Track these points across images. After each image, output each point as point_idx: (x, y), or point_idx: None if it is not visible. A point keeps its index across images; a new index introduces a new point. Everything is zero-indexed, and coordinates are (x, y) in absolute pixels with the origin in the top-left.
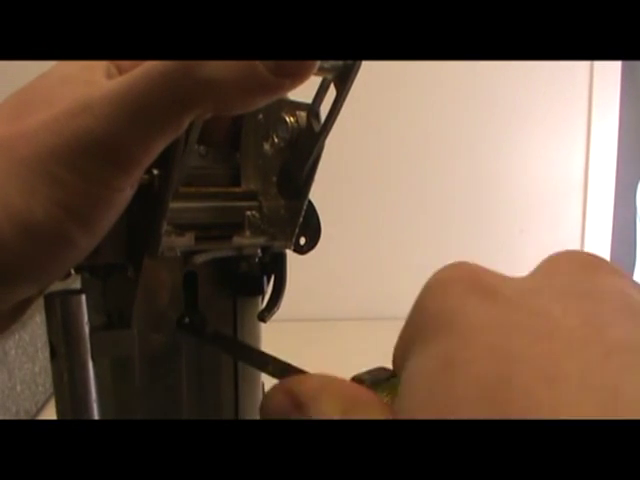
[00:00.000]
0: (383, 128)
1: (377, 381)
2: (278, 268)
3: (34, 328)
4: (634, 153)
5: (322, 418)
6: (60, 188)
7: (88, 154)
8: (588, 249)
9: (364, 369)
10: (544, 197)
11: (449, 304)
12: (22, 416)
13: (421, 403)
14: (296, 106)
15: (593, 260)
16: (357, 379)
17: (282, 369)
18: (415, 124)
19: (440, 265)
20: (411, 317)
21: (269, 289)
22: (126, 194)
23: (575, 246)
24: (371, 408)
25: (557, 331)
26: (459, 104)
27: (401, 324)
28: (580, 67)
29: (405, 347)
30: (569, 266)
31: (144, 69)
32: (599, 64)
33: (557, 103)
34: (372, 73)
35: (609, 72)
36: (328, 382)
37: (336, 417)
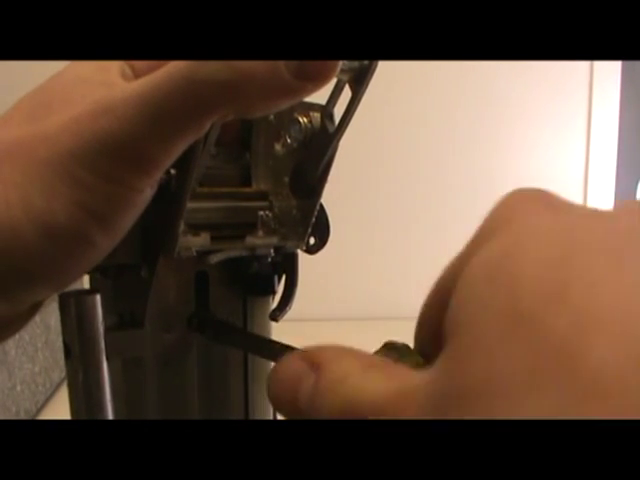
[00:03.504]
0: (384, 128)
1: (402, 349)
2: (289, 268)
3: (34, 328)
4: (634, 153)
5: (338, 376)
6: (81, 189)
7: (109, 155)
8: None
9: None
10: None
11: (511, 210)
12: (22, 416)
13: (480, 292)
14: (309, 107)
15: None
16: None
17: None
18: (415, 124)
19: (439, 265)
20: (475, 233)
21: (279, 289)
22: (146, 195)
23: None
24: (388, 368)
25: (621, 236)
26: (459, 105)
27: (402, 324)
28: (580, 67)
29: (463, 258)
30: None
31: (166, 72)
32: (599, 64)
33: (557, 103)
34: (375, 74)
35: (609, 72)
36: (345, 348)
37: (357, 374)
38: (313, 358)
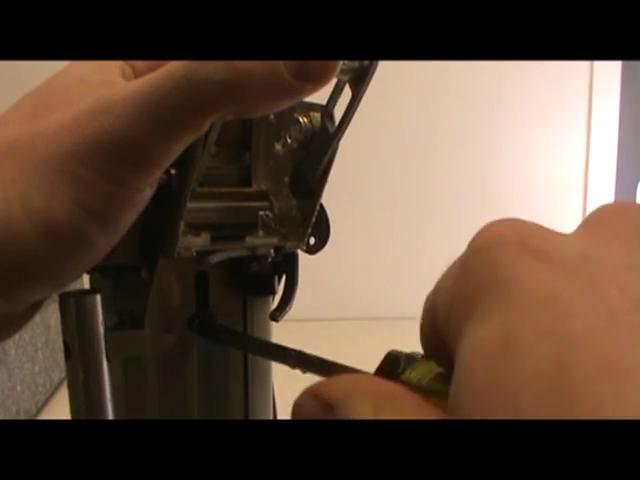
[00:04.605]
0: (384, 128)
1: (411, 360)
2: (290, 268)
3: (34, 328)
4: (634, 153)
5: (355, 418)
6: (80, 188)
7: (108, 154)
8: None
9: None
10: (544, 197)
11: (502, 271)
12: (22, 416)
13: (479, 390)
14: (309, 107)
15: None
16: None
17: (300, 360)
18: (416, 124)
19: (439, 266)
20: (461, 277)
21: (279, 289)
22: (145, 194)
23: None
24: (402, 403)
25: (615, 316)
26: (459, 104)
27: (402, 324)
28: (580, 67)
29: (456, 312)
30: (625, 229)
31: (166, 71)
32: (599, 64)
33: (557, 103)
34: (375, 74)
35: (609, 72)
36: (356, 381)
37: (369, 417)
38: (325, 397)
